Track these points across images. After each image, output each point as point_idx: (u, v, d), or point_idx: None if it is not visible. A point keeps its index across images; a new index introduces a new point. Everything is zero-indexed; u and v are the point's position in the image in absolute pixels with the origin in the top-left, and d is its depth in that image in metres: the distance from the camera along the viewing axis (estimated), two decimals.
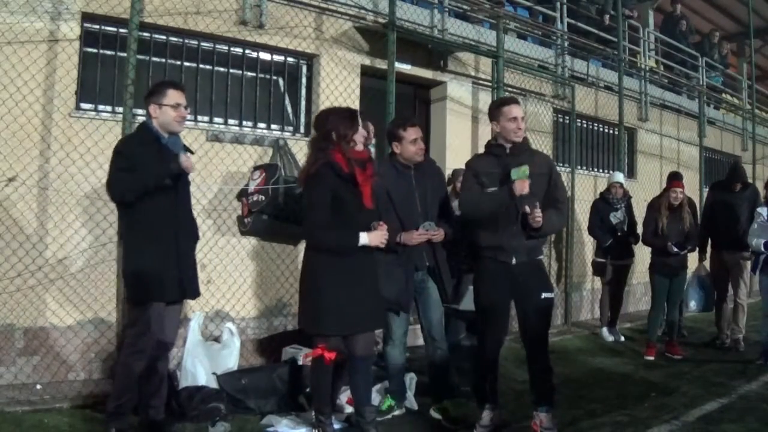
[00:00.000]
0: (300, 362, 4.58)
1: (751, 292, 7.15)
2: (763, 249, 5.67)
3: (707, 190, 7.60)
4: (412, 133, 4.06)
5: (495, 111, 3.87)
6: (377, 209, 3.69)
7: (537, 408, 3.77)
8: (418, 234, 3.97)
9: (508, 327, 3.97)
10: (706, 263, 7.05)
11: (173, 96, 3.49)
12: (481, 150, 4.09)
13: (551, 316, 3.97)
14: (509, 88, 7.17)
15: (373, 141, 5.56)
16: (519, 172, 3.61)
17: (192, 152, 3.76)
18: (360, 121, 3.62)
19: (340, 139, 3.50)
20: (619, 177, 7.17)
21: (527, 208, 3.62)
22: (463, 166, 4.09)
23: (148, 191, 3.38)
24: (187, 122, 5.25)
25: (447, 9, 7.02)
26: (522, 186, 3.59)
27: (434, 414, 4.13)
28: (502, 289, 3.77)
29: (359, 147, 3.61)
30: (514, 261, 3.74)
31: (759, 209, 5.89)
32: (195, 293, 3.70)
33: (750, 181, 7.62)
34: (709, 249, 6.95)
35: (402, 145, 4.07)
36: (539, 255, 3.90)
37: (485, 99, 7.28)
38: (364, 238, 3.49)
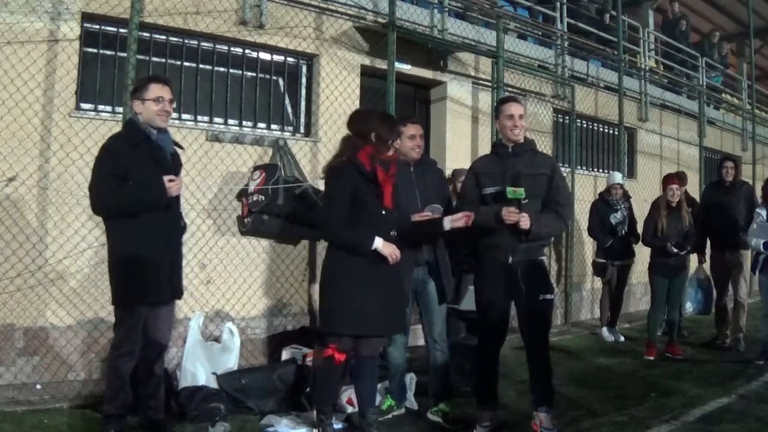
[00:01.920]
0: (300, 362, 4.58)
1: (752, 291, 7.15)
2: (762, 249, 5.67)
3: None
4: (411, 129, 4.10)
5: (497, 109, 3.95)
6: (398, 210, 3.67)
7: (537, 408, 3.77)
8: (420, 215, 3.91)
9: (508, 326, 3.97)
10: (706, 265, 7.03)
11: (155, 90, 3.41)
12: (482, 150, 4.11)
13: (551, 317, 3.96)
14: (509, 88, 7.17)
15: None
16: (516, 193, 3.60)
17: (182, 148, 3.70)
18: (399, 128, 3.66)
19: (381, 142, 3.52)
20: (618, 177, 7.17)
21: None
22: (463, 166, 4.11)
23: (132, 213, 3.32)
24: (187, 122, 5.33)
25: (447, 9, 7.03)
26: (508, 215, 3.60)
27: (432, 417, 4.13)
28: (501, 288, 3.77)
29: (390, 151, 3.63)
30: (510, 260, 3.73)
31: (758, 209, 5.89)
32: (179, 293, 3.62)
33: (749, 181, 7.62)
34: (708, 250, 6.94)
35: (401, 140, 4.08)
36: (539, 255, 3.88)
37: (485, 99, 7.29)
38: (378, 243, 3.44)
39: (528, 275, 3.74)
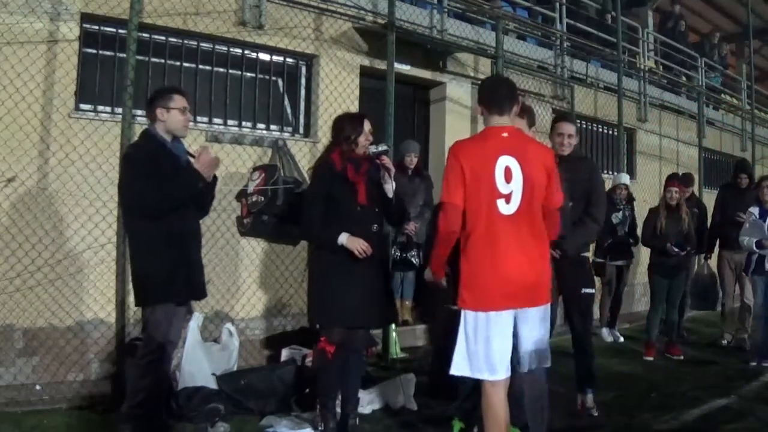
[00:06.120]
0: (299, 363, 4.58)
1: None
2: (754, 248, 5.66)
3: (712, 189, 7.59)
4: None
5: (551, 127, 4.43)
6: (376, 205, 3.68)
7: (582, 390, 4.08)
8: None
9: (556, 320, 4.07)
10: (712, 263, 7.03)
11: (180, 101, 3.51)
12: None
13: (592, 310, 4.28)
14: None
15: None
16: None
17: (193, 156, 3.74)
18: (367, 124, 3.69)
19: (344, 140, 3.64)
20: (625, 179, 7.15)
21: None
22: None
23: (182, 205, 3.41)
24: None
25: (446, 9, 7.03)
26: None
27: None
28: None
29: (360, 149, 3.65)
30: (558, 256, 3.88)
31: (751, 209, 5.89)
32: (203, 293, 3.69)
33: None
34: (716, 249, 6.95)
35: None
36: (583, 252, 4.18)
37: None
38: (342, 238, 3.52)
39: (571, 270, 3.98)
